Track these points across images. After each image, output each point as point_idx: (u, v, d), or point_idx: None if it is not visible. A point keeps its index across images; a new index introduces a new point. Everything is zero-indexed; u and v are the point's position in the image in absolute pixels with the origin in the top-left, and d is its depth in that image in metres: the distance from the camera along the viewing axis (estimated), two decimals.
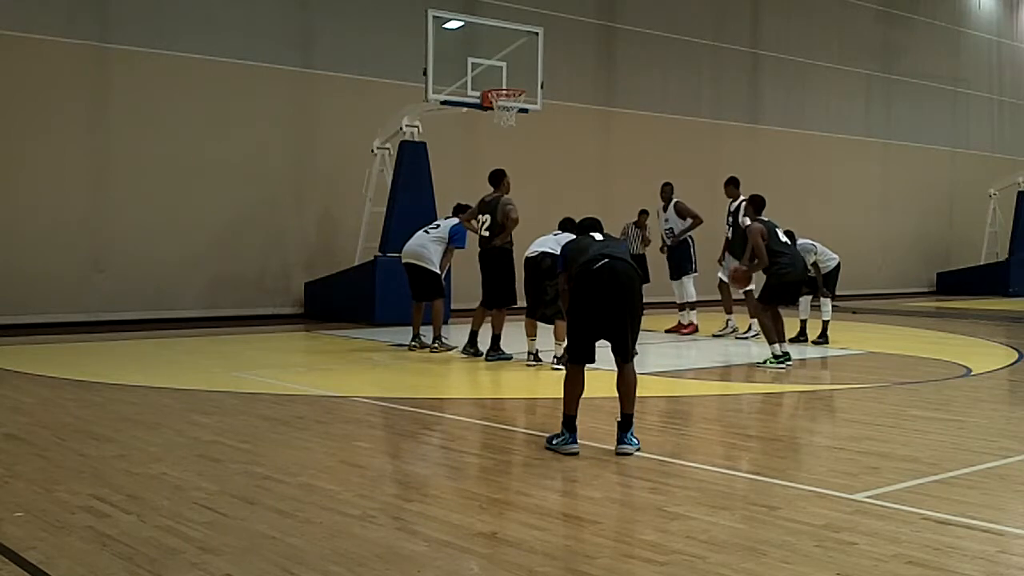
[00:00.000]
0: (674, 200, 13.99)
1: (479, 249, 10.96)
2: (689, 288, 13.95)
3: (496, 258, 10.75)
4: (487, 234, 10.74)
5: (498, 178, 10.98)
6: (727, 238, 13.49)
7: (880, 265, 25.83)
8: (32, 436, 6.60)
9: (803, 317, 12.83)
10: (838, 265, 12.92)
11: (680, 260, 14.01)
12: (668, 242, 14.09)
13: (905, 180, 26.41)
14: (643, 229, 16.46)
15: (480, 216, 10.85)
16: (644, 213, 16.63)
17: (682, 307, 14.12)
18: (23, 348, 11.72)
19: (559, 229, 9.99)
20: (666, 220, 14.07)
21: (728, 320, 13.69)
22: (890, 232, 26.10)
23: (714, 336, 13.58)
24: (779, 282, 10.58)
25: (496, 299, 10.76)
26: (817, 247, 12.76)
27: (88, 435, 6.63)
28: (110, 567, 3.98)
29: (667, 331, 13.96)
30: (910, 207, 26.46)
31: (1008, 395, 8.83)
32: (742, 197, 13.18)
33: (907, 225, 26.47)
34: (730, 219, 13.40)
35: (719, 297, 14.02)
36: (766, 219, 10.91)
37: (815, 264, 12.64)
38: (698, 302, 14.08)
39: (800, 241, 12.59)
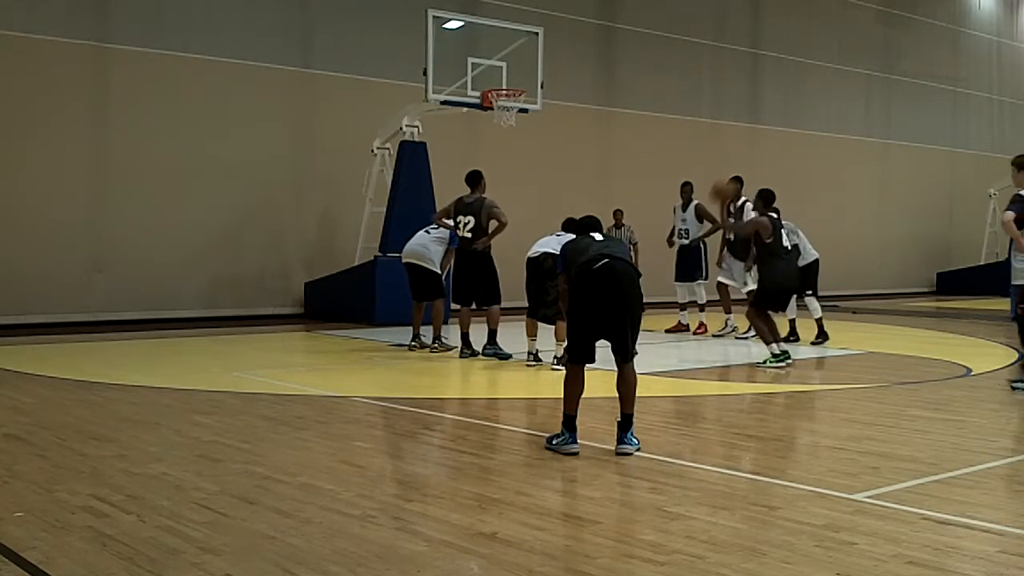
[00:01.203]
0: (695, 201, 13.92)
1: (457, 248, 11.03)
2: (700, 292, 13.97)
3: (479, 259, 10.81)
4: (469, 235, 10.79)
5: (476, 179, 11.03)
6: (727, 239, 13.47)
7: (880, 265, 25.84)
8: (32, 436, 6.60)
9: (791, 316, 12.81)
10: (816, 261, 12.88)
11: (690, 266, 13.98)
12: (682, 241, 14.04)
13: (905, 180, 26.42)
14: (622, 227, 16.45)
15: (462, 217, 10.87)
16: (619, 212, 16.65)
17: (683, 307, 14.12)
18: (23, 348, 11.72)
19: (562, 230, 9.98)
20: (683, 219, 14.02)
21: (727, 320, 13.69)
22: (890, 232, 26.10)
23: (714, 336, 13.58)
24: (774, 286, 10.58)
25: (482, 298, 10.88)
26: (800, 232, 12.71)
27: (88, 435, 6.63)
28: (110, 567, 3.98)
29: (667, 331, 13.98)
30: (910, 207, 26.47)
31: (1008, 395, 8.82)
32: (744, 197, 13.17)
33: (907, 225, 26.48)
34: (730, 219, 13.38)
35: (718, 298, 14.04)
36: (776, 217, 10.83)
37: (795, 247, 12.60)
38: (705, 303, 14.09)
39: (783, 222, 12.59)
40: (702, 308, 13.96)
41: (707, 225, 13.90)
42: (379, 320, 14.49)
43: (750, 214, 13.12)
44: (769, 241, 10.55)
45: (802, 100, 24.12)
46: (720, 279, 13.57)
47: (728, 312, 13.71)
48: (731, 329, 13.59)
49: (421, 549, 4.24)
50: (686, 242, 13.99)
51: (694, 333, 13.83)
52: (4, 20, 14.11)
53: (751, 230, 10.63)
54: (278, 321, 15.51)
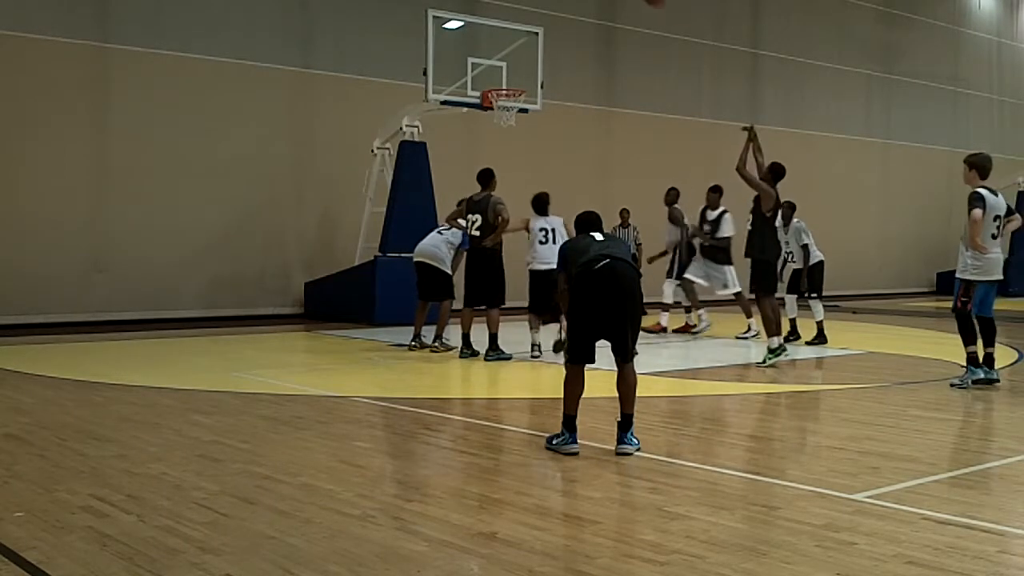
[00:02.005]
0: (674, 206, 13.81)
1: (468, 248, 11.03)
2: (666, 290, 13.81)
3: (487, 258, 10.80)
4: (477, 234, 10.79)
5: (487, 177, 11.01)
6: (701, 245, 13.36)
7: (880, 265, 25.83)
8: (32, 436, 6.60)
9: (792, 316, 12.79)
10: (822, 263, 12.86)
11: (671, 266, 13.85)
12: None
13: (905, 180, 26.42)
14: (628, 227, 16.41)
15: (470, 215, 10.88)
16: (626, 211, 16.62)
17: (687, 308, 14.04)
18: (23, 348, 11.72)
19: (534, 209, 10.65)
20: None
21: (699, 315, 13.56)
22: (890, 232, 26.10)
23: (692, 334, 13.47)
24: (769, 260, 10.66)
25: (488, 299, 10.83)
26: (810, 233, 12.71)
27: (88, 435, 6.63)
28: (110, 567, 3.98)
29: (674, 331, 13.89)
30: (910, 207, 26.47)
31: (1008, 395, 8.82)
32: (723, 207, 13.18)
33: (907, 225, 26.47)
34: (707, 227, 13.28)
35: (710, 298, 14.02)
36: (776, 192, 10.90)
37: (805, 247, 12.60)
38: (701, 302, 14.04)
39: (795, 222, 12.63)
40: (666, 308, 13.79)
41: (677, 231, 13.71)
42: (379, 320, 14.49)
43: (728, 224, 13.13)
44: (768, 214, 10.57)
45: (802, 100, 24.11)
46: (687, 275, 13.41)
47: (697, 308, 13.59)
48: (706, 325, 13.47)
49: (421, 549, 4.24)
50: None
51: (653, 331, 13.52)
52: (4, 20, 14.10)
53: (758, 189, 10.62)
54: (278, 321, 15.51)
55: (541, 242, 10.66)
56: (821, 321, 12.69)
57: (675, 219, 13.72)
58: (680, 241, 13.75)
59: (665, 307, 13.86)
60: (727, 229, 13.16)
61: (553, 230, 10.77)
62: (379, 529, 4.53)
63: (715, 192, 13.40)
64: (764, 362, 10.43)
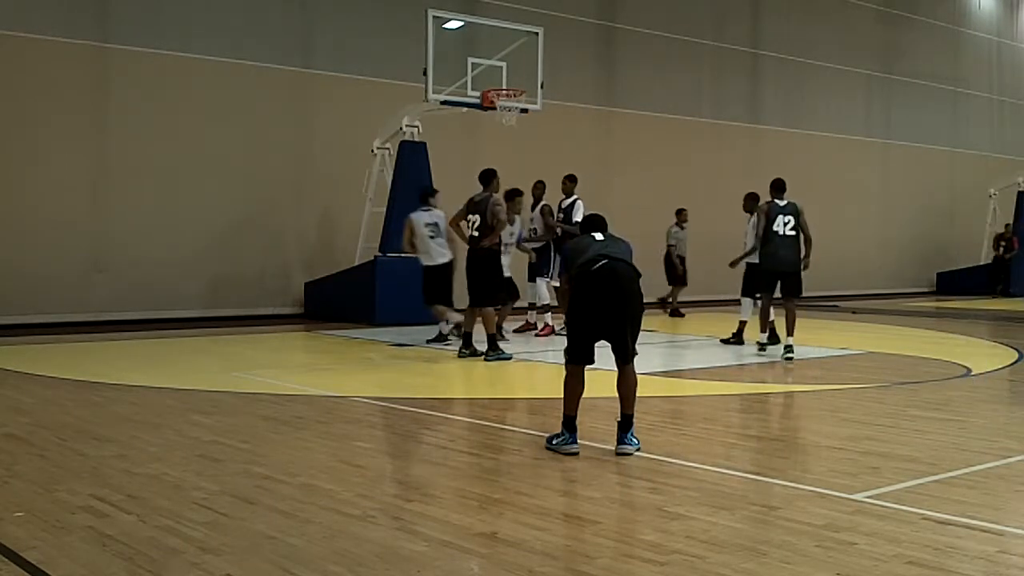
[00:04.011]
0: (543, 202, 13.27)
1: (467, 249, 11.01)
2: (542, 291, 13.16)
3: (484, 259, 10.79)
4: (476, 235, 10.77)
5: (489, 178, 11.01)
6: (557, 235, 12.89)
7: (880, 265, 25.84)
8: (32, 436, 6.60)
9: (745, 318, 12.31)
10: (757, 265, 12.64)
11: (540, 263, 13.19)
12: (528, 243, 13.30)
13: (905, 180, 26.42)
14: (684, 227, 16.38)
15: (470, 216, 10.87)
16: (682, 211, 16.56)
17: (532, 306, 13.53)
18: (23, 348, 11.72)
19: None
20: (532, 219, 13.36)
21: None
22: (890, 232, 26.10)
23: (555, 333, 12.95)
24: (762, 270, 11.24)
25: (485, 299, 10.82)
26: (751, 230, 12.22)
27: (88, 435, 6.63)
28: (110, 567, 3.98)
29: (515, 331, 13.23)
30: (910, 207, 26.47)
31: (1008, 395, 8.82)
32: (576, 195, 13.08)
33: (907, 225, 26.48)
34: (561, 214, 13.08)
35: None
36: (783, 203, 11.10)
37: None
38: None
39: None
40: (547, 309, 13.14)
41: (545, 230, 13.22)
42: (379, 320, 14.49)
43: (579, 210, 12.79)
44: (763, 227, 11.04)
45: (802, 100, 24.11)
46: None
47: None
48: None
49: (421, 549, 4.24)
50: (538, 244, 13.21)
51: (537, 335, 13.12)
52: (4, 20, 14.10)
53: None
54: (278, 321, 15.50)
55: (431, 236, 11.37)
56: (744, 322, 12.25)
57: (546, 217, 13.16)
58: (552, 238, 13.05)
59: (545, 308, 13.13)
60: (579, 215, 12.59)
61: (437, 224, 11.53)
62: (379, 529, 4.53)
63: (570, 180, 13.29)
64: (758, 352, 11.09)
